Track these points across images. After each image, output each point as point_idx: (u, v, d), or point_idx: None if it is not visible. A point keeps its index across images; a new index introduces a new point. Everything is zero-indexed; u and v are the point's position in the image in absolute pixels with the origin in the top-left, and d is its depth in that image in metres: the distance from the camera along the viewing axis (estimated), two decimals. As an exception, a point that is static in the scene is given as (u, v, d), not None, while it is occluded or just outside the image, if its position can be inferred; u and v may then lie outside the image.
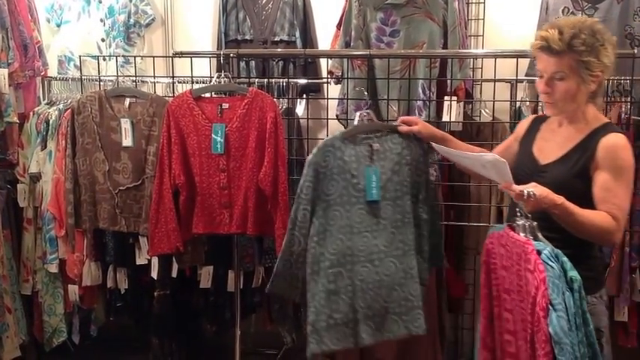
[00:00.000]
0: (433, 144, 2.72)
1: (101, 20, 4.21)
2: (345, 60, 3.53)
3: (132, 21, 4.21)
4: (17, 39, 3.74)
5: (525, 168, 2.47)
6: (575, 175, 2.33)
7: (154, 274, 3.56)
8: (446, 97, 3.45)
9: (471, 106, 3.78)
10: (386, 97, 3.43)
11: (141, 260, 3.60)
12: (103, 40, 4.21)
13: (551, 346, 2.07)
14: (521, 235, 2.22)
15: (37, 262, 3.87)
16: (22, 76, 3.81)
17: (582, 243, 2.31)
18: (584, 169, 2.31)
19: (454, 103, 3.43)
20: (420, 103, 3.49)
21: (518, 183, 2.25)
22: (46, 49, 4.15)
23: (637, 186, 3.34)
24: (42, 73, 3.99)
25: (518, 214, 2.22)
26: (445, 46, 3.49)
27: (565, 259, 2.11)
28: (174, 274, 3.56)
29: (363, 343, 2.76)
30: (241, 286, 3.55)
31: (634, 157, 3.00)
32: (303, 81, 3.18)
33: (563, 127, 2.45)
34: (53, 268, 3.80)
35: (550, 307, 2.07)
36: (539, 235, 2.21)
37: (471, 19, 4.01)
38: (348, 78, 3.52)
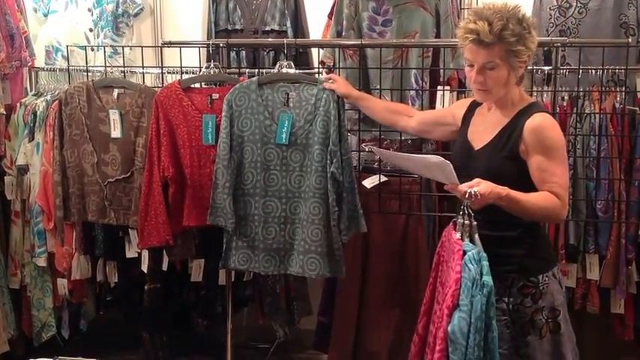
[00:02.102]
0: (373, 148, 2.80)
1: (89, 10, 4.14)
2: (337, 50, 3.49)
3: (120, 10, 4.15)
4: (4, 29, 3.68)
5: (462, 154, 2.53)
6: (504, 158, 2.37)
7: (144, 268, 3.53)
8: (439, 87, 3.44)
9: (464, 95, 3.72)
10: (378, 87, 3.40)
11: (131, 253, 3.57)
12: (91, 30, 4.15)
13: (446, 343, 2.16)
14: (458, 233, 2.28)
15: (25, 255, 3.82)
16: (9, 66, 3.74)
17: (527, 224, 2.37)
18: (513, 152, 2.35)
19: (447, 93, 3.42)
20: (413, 92, 3.45)
21: (456, 168, 2.28)
22: (33, 40, 4.08)
23: (632, 177, 3.33)
24: (29, 64, 3.92)
25: (461, 211, 2.26)
26: (438, 36, 3.46)
27: (485, 262, 2.15)
28: (164, 268, 3.52)
29: (266, 271, 3.13)
30: (233, 280, 3.52)
31: (630, 147, 3.00)
32: (292, 71, 3.14)
33: (492, 112, 2.50)
34: (42, 262, 3.75)
35: (456, 307, 2.15)
36: (476, 236, 2.25)
37: (464, 9, 3.96)
38: (340, 68, 3.48)
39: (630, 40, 3.35)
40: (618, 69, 3.37)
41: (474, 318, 2.11)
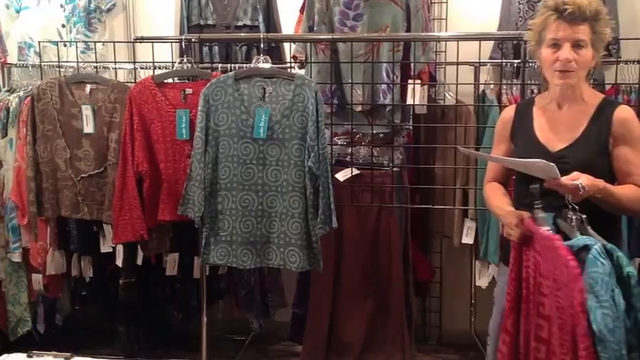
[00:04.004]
0: (460, 148, 2.59)
1: (61, 6, 4.13)
2: (309, 44, 3.52)
3: (92, 6, 4.14)
4: (-25, 26, 3.67)
5: (534, 156, 2.30)
6: (597, 154, 2.31)
7: (119, 262, 3.54)
8: (410, 81, 3.45)
9: (435, 89, 3.78)
10: (350, 81, 3.43)
11: (105, 248, 3.57)
12: (63, 25, 4.13)
13: (591, 340, 2.03)
14: (545, 227, 2.17)
15: (-1, 251, 3.82)
16: (-19, 63, 3.74)
17: (605, 221, 2.28)
18: (604, 146, 2.30)
19: (418, 87, 3.44)
20: (384, 86, 3.48)
21: (527, 177, 2.23)
22: (6, 36, 4.08)
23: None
24: (1, 60, 3.93)
25: (568, 205, 2.16)
26: (408, 30, 3.49)
27: (620, 254, 2.06)
28: (139, 262, 3.53)
29: (244, 265, 3.13)
30: (207, 273, 3.54)
31: None
32: (267, 65, 3.16)
33: (566, 109, 2.39)
34: (16, 257, 3.74)
35: (595, 304, 2.02)
36: (589, 228, 2.16)
37: (434, 2, 4.01)
38: (311, 62, 3.51)
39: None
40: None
41: (620, 312, 2.02)
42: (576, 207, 2.16)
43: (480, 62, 3.57)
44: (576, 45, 2.27)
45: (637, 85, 3.38)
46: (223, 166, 3.09)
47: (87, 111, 3.32)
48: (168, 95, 3.23)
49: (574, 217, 2.17)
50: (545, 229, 2.18)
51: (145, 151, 3.21)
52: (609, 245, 2.07)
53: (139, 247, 3.44)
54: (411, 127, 3.69)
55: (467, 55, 3.51)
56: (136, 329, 3.75)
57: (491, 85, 3.69)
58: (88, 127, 3.33)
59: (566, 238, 2.17)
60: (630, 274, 2.04)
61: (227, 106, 3.08)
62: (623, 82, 3.41)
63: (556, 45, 2.29)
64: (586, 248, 2.08)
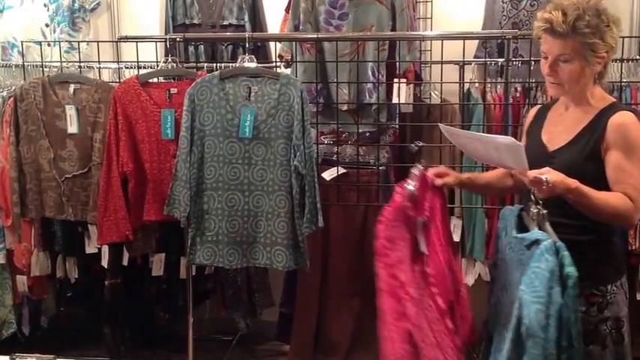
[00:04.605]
0: (440, 125, 2.58)
1: (45, 5, 4.12)
2: (295, 44, 3.52)
3: (77, 5, 4.13)
4: (-43, 25, 3.65)
5: (535, 156, 2.33)
6: (585, 158, 2.24)
7: (105, 263, 3.53)
8: (395, 80, 3.46)
9: (420, 88, 3.79)
10: (336, 80, 3.43)
11: (90, 249, 3.56)
12: (47, 25, 4.12)
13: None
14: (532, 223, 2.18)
15: (-17, 253, 3.78)
16: (-35, 63, 3.72)
17: (601, 229, 2.24)
18: (595, 151, 2.23)
19: (403, 86, 3.44)
20: (370, 85, 3.49)
21: (503, 164, 2.23)
22: (-12, 36, 4.05)
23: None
24: (-16, 61, 3.90)
25: (532, 199, 2.16)
26: (394, 29, 3.50)
27: (566, 253, 2.04)
28: (125, 263, 3.52)
29: (231, 265, 3.13)
30: (194, 273, 3.53)
31: None
32: (252, 65, 3.15)
33: (570, 111, 2.36)
34: (1, 259, 3.71)
35: (531, 299, 2.03)
36: (547, 225, 2.14)
37: (419, 2, 4.02)
38: (297, 62, 3.51)
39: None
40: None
41: (554, 310, 2.00)
42: (539, 201, 2.14)
43: (464, 61, 3.58)
44: (560, 59, 2.26)
45: (619, 83, 3.40)
46: (209, 165, 3.07)
47: (71, 111, 3.29)
48: (153, 95, 3.21)
49: (535, 212, 2.15)
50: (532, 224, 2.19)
51: (130, 151, 3.19)
52: (559, 243, 2.06)
53: (124, 247, 3.42)
54: (397, 126, 3.70)
55: (452, 53, 3.52)
56: (121, 330, 3.73)
57: (476, 84, 3.70)
58: (72, 128, 3.30)
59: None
60: (569, 275, 2.01)
61: (212, 105, 3.07)
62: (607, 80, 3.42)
63: (545, 57, 2.30)
64: (537, 243, 2.08)
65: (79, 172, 3.33)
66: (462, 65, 3.70)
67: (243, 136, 3.04)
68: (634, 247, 3.43)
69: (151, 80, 3.26)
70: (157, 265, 3.60)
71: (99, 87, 3.31)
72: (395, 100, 3.46)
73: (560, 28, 2.20)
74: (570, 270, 2.01)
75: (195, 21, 4.09)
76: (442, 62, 3.39)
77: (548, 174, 2.09)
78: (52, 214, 3.40)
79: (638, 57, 3.58)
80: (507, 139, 2.19)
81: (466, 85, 3.66)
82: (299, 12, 3.55)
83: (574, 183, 2.11)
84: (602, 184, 2.19)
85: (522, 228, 2.26)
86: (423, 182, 2.45)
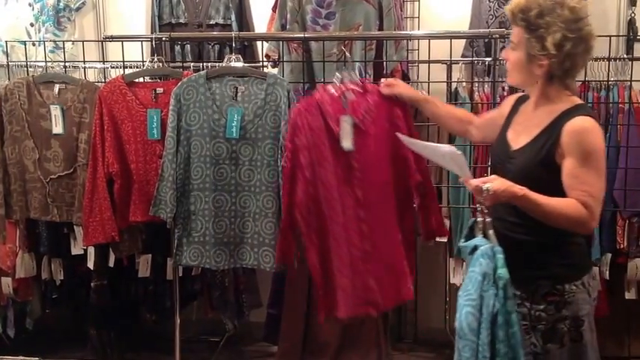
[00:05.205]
0: (400, 135, 2.67)
1: (30, 4, 4.10)
2: (281, 43, 3.50)
3: (62, 5, 4.10)
4: (-59, 24, 3.61)
5: (499, 152, 2.37)
6: (539, 163, 2.21)
7: (91, 265, 3.51)
8: (382, 79, 3.44)
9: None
10: (323, 79, 3.42)
11: (76, 250, 3.54)
12: (32, 24, 4.10)
13: None
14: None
15: (-32, 255, 3.74)
16: (-51, 63, 3.68)
17: (558, 230, 2.19)
18: (549, 156, 2.19)
19: (391, 84, 3.43)
20: (357, 85, 3.47)
21: (493, 167, 2.21)
22: (-27, 36, 4.02)
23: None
24: (-32, 60, 3.86)
25: (477, 207, 2.18)
26: (381, 28, 3.48)
27: (500, 256, 2.07)
28: (111, 264, 3.50)
29: (218, 266, 3.11)
30: (180, 274, 3.51)
31: None
32: (239, 64, 3.13)
33: (535, 112, 2.31)
34: (-15, 261, 3.69)
35: (464, 302, 2.08)
36: (490, 232, 2.16)
37: (407, 1, 4.01)
38: (284, 61, 3.49)
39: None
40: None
41: (486, 313, 2.03)
42: (483, 208, 2.15)
43: (451, 60, 3.58)
44: (511, 45, 2.28)
45: (606, 82, 3.41)
46: (196, 166, 3.06)
47: (56, 111, 3.27)
48: (139, 95, 3.19)
49: (480, 219, 2.17)
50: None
51: (116, 152, 3.17)
52: (496, 247, 2.09)
53: (110, 248, 3.39)
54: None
55: (439, 53, 3.51)
56: (108, 332, 3.72)
57: (464, 83, 3.71)
58: (57, 128, 3.28)
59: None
60: (499, 277, 2.03)
61: (199, 105, 3.05)
62: (592, 79, 3.43)
63: None
64: (476, 248, 2.12)
65: (65, 173, 3.30)
66: (449, 65, 3.70)
67: (230, 136, 3.02)
68: (622, 247, 3.44)
69: (136, 80, 3.24)
70: (144, 266, 3.58)
71: (84, 87, 3.29)
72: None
73: (509, 13, 2.23)
74: (501, 272, 2.04)
75: (182, 20, 4.06)
76: (429, 62, 3.39)
77: (492, 182, 2.08)
78: (37, 216, 3.37)
79: (625, 56, 3.58)
80: (448, 148, 2.19)
81: (453, 85, 3.66)
82: (286, 11, 3.53)
83: (521, 190, 2.09)
84: (559, 190, 2.15)
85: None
86: (363, 89, 2.80)
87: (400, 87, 2.83)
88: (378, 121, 2.78)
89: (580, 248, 2.33)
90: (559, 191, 2.14)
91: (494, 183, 2.07)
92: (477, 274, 2.07)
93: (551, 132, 2.20)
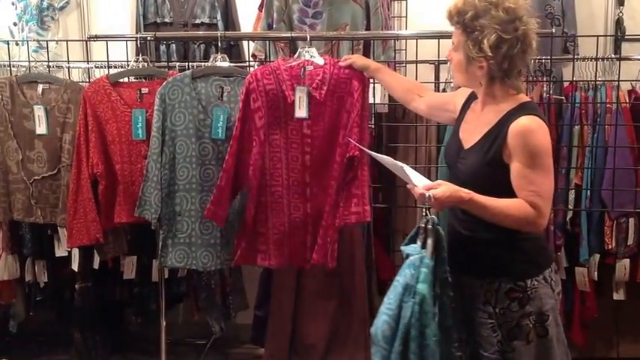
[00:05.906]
0: (363, 148, 2.72)
1: (13, 3, 4.06)
2: (268, 43, 3.48)
3: (45, 4, 4.07)
4: None
5: (452, 153, 2.39)
6: (486, 163, 2.22)
7: (75, 266, 3.47)
8: (370, 80, 3.43)
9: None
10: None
11: (60, 252, 3.51)
12: (15, 24, 4.06)
13: None
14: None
15: (-50, 257, 3.70)
16: None
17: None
18: (496, 157, 2.21)
19: (378, 86, 3.42)
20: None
21: (448, 167, 2.22)
22: (-45, 35, 3.97)
23: (560, 164, 3.40)
24: (-50, 60, 3.81)
25: (424, 213, 2.21)
26: (368, 28, 3.48)
27: (424, 269, 2.10)
28: (95, 266, 3.48)
29: (205, 267, 3.11)
30: (166, 276, 3.48)
31: (557, 135, 2.97)
32: (225, 64, 3.11)
33: (483, 110, 2.32)
34: (-32, 263, 3.64)
35: (383, 309, 2.12)
36: (429, 241, 2.18)
37: (394, 0, 4.00)
38: (271, 61, 3.46)
39: (555, 30, 3.41)
40: (545, 59, 3.43)
41: (402, 324, 2.06)
42: (428, 214, 2.19)
43: (439, 60, 3.56)
44: (452, 46, 2.30)
45: (594, 82, 3.41)
46: (181, 166, 3.04)
47: (39, 111, 3.25)
48: (124, 95, 3.17)
49: (422, 225, 2.20)
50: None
51: (100, 153, 3.15)
52: (426, 259, 2.12)
53: (95, 250, 3.36)
54: (372, 126, 3.67)
55: (427, 53, 3.50)
56: (92, 335, 3.67)
57: (452, 84, 3.68)
58: (41, 128, 3.26)
59: None
60: (416, 291, 2.07)
61: (184, 105, 3.03)
62: (580, 79, 3.43)
63: None
64: (407, 257, 2.15)
65: (48, 174, 3.28)
66: (437, 65, 3.68)
67: (215, 137, 3.01)
68: (610, 247, 3.44)
69: (121, 80, 3.22)
70: (129, 268, 3.56)
71: (68, 87, 3.27)
72: (370, 100, 3.42)
73: (447, 14, 2.25)
74: (420, 287, 2.07)
75: (167, 20, 4.02)
76: (417, 62, 3.38)
77: (437, 189, 2.09)
78: (20, 217, 3.35)
79: (612, 56, 3.58)
80: (388, 160, 2.22)
81: (441, 85, 3.64)
82: (272, 10, 3.51)
83: (467, 195, 2.11)
84: (509, 189, 2.17)
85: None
86: (322, 63, 2.93)
87: (354, 57, 2.95)
88: (335, 92, 2.90)
89: (536, 243, 2.34)
90: (510, 191, 2.17)
91: (439, 190, 2.09)
92: (399, 284, 2.10)
93: (498, 132, 2.21)
